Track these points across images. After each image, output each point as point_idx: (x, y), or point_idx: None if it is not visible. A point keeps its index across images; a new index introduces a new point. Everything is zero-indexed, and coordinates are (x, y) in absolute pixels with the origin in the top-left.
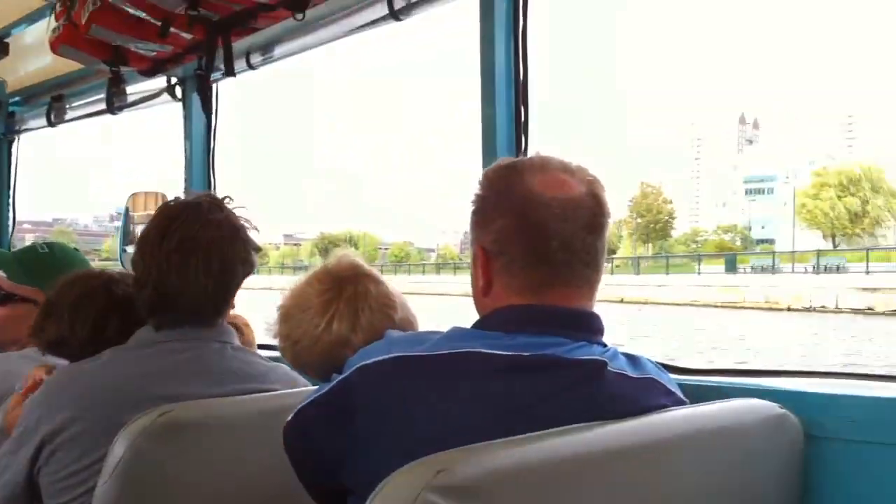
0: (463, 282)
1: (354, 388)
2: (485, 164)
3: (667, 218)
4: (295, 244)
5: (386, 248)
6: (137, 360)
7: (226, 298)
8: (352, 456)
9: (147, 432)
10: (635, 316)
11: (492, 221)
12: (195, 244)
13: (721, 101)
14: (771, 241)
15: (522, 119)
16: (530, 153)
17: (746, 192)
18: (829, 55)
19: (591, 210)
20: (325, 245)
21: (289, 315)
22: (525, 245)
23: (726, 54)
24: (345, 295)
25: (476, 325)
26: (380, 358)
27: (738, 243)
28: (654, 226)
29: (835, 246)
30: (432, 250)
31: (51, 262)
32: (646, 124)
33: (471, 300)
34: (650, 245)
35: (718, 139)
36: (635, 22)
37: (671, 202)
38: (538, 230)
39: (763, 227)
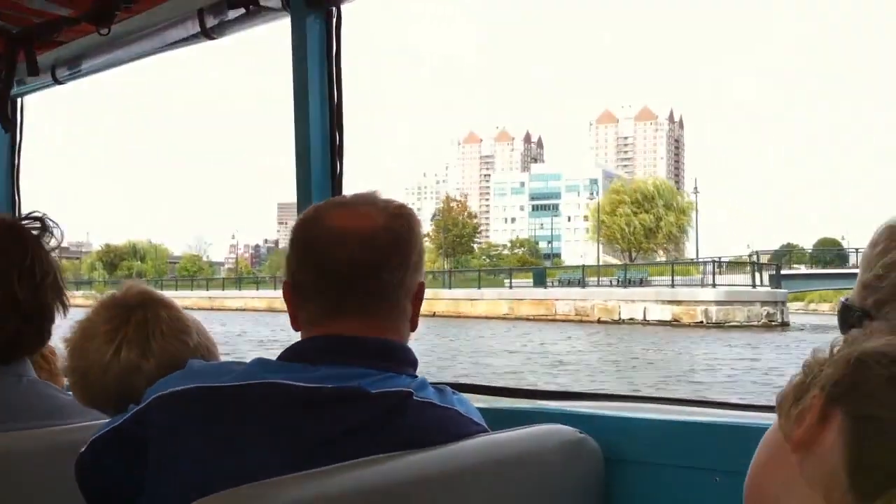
0: (269, 296)
1: (149, 419)
2: (299, 186)
3: (471, 232)
4: (75, 258)
5: (175, 262)
6: None
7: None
8: (146, 489)
9: None
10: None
11: (291, 255)
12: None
13: (508, 119)
14: (557, 256)
15: (337, 143)
16: (345, 177)
17: (533, 209)
18: (607, 86)
19: (384, 242)
20: (111, 258)
21: (75, 348)
22: (312, 276)
23: (510, 73)
24: (133, 320)
25: (281, 356)
26: (177, 388)
27: (530, 257)
28: (460, 240)
29: (631, 259)
30: (222, 264)
31: None
32: (439, 143)
33: (276, 315)
34: (452, 259)
35: (505, 156)
36: (428, 48)
37: (476, 217)
38: (321, 261)
39: (549, 243)
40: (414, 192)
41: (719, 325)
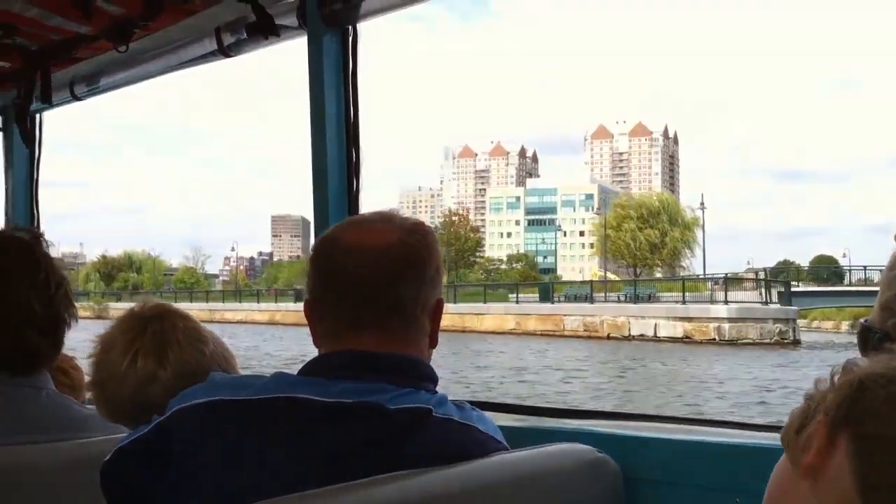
0: (272, 309)
1: (171, 431)
2: (316, 204)
3: (473, 246)
4: (70, 269)
5: (171, 274)
6: None
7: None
8: (168, 500)
9: None
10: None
11: (310, 274)
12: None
13: (503, 133)
14: (553, 271)
15: (354, 160)
16: (362, 194)
17: (529, 224)
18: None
19: (398, 258)
20: (108, 269)
21: (96, 361)
22: (328, 293)
23: (506, 88)
24: (150, 330)
25: (301, 371)
26: (198, 401)
27: (530, 272)
28: (464, 254)
29: (636, 275)
30: (217, 276)
31: None
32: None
33: (277, 328)
34: (452, 273)
35: (501, 171)
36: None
37: (478, 231)
38: (336, 277)
39: (545, 258)
40: (409, 205)
41: (732, 343)
